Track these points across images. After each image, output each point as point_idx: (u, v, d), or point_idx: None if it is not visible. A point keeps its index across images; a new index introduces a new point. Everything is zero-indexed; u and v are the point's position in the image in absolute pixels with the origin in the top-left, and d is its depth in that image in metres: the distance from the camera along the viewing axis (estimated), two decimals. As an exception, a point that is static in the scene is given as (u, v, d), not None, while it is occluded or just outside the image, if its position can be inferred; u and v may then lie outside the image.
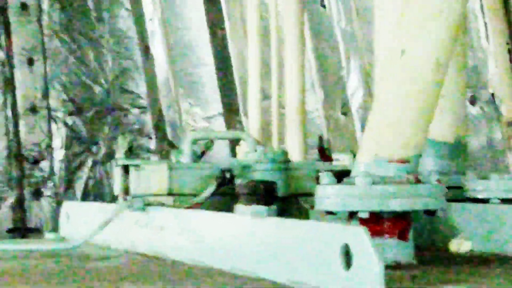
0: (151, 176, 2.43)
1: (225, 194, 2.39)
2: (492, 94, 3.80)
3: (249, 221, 1.95)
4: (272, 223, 1.86)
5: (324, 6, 4.71)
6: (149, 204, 2.34)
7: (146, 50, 6.59)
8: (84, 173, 6.89)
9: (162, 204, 2.36)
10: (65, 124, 6.90)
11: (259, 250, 1.83)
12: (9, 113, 6.83)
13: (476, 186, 2.49)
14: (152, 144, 6.71)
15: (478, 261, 2.11)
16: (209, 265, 1.99)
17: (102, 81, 6.87)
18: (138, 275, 1.96)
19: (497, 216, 2.32)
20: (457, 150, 2.73)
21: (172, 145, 6.19)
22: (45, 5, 6.83)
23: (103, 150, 6.86)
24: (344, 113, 4.68)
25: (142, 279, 1.87)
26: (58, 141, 6.90)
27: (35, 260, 2.30)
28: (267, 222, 1.88)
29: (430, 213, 2.13)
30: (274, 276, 1.74)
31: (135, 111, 6.86)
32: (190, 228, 2.18)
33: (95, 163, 6.86)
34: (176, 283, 1.78)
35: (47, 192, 6.85)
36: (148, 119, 6.72)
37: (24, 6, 6.81)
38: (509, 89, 3.70)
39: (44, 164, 6.89)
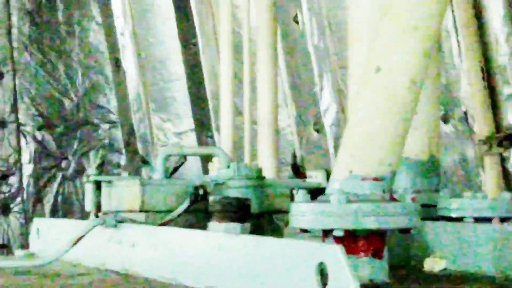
0: (124, 192, 2.42)
1: (198, 211, 2.38)
2: (465, 112, 3.81)
3: (222, 239, 1.95)
4: (246, 241, 1.85)
5: (297, 22, 4.72)
6: (121, 221, 2.34)
7: (117, 64, 6.58)
8: (53, 188, 6.86)
9: (134, 221, 2.36)
10: (34, 138, 6.88)
11: (233, 268, 1.82)
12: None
13: (449, 205, 2.50)
14: (123, 160, 6.70)
15: (452, 280, 2.12)
16: (182, 283, 1.99)
17: (72, 95, 6.86)
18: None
19: (471, 235, 2.32)
20: (430, 168, 2.74)
21: (144, 161, 6.19)
22: (14, 18, 6.80)
23: (72, 166, 6.83)
24: (317, 130, 4.68)
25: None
26: (26, 156, 6.88)
27: (4, 278, 2.28)
28: (241, 239, 1.87)
29: (405, 231, 2.13)
30: None
31: (105, 126, 6.84)
32: (163, 245, 2.16)
33: (64, 179, 6.83)
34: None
35: (15, 208, 6.82)
36: (118, 134, 6.70)
37: (-7, 20, 6.80)
38: (482, 107, 3.71)
39: (13, 179, 6.86)
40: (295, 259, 1.60)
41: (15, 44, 6.83)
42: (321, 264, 1.51)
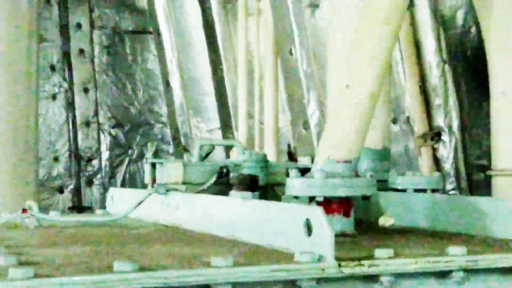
0: (171, 170, 2.43)
1: (223, 183, 2.39)
2: (408, 117, 3.80)
3: (239, 202, 1.95)
4: (256, 204, 1.86)
5: (291, 54, 4.68)
6: (168, 190, 2.34)
7: (167, 83, 6.57)
8: (123, 168, 6.88)
9: (178, 190, 2.37)
10: (110, 134, 6.88)
11: (247, 222, 1.84)
12: (70, 126, 6.79)
13: (396, 180, 2.53)
14: (171, 149, 6.71)
15: (399, 232, 2.12)
16: (211, 233, 2.00)
17: (136, 104, 6.85)
18: (162, 239, 1.96)
19: (411, 201, 2.35)
20: (383, 155, 2.74)
21: (185, 149, 6.19)
22: (96, 50, 6.80)
23: (135, 153, 6.84)
24: (305, 128, 4.65)
25: (164, 241, 1.86)
26: (104, 146, 6.88)
27: (89, 228, 2.30)
28: (252, 203, 1.88)
29: (365, 198, 2.13)
30: (257, 240, 1.74)
31: (159, 125, 6.85)
32: (198, 207, 2.19)
33: (130, 162, 6.84)
34: (187, 244, 1.77)
35: (96, 182, 6.83)
36: (168, 131, 6.72)
37: (81, 51, 6.77)
38: (419, 113, 3.71)
39: (95, 162, 6.86)
40: (290, 216, 1.60)
41: (96, 68, 6.81)
42: (307, 220, 1.51)
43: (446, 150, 3.59)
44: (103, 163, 6.87)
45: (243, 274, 1.34)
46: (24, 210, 2.37)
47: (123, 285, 1.24)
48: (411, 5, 3.54)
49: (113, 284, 1.24)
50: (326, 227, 1.46)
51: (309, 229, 1.51)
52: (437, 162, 3.62)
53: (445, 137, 3.60)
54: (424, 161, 3.64)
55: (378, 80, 1.99)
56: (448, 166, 3.57)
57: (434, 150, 3.66)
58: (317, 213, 1.49)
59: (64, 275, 1.23)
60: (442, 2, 3.50)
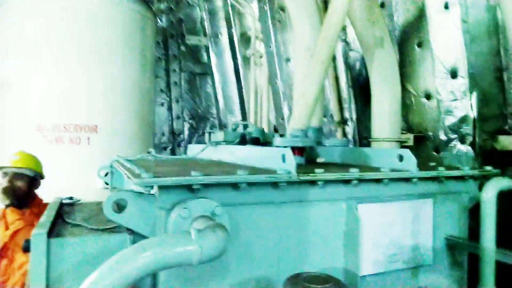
0: (218, 134, 2.38)
1: (243, 141, 2.36)
2: (331, 114, 3.76)
3: (250, 148, 1.94)
4: (257, 149, 1.84)
5: (276, 84, 4.65)
6: (216, 144, 2.33)
7: (215, 98, 6.51)
8: (194, 139, 6.86)
9: (220, 143, 2.33)
10: (188, 123, 6.87)
11: (254, 157, 1.79)
12: (169, 119, 6.79)
13: (325, 142, 2.34)
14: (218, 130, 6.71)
15: (326, 164, 2.09)
16: (236, 163, 1.94)
17: (201, 108, 6.82)
18: (213, 165, 1.92)
19: (332, 150, 2.24)
20: (319, 130, 2.65)
21: (224, 127, 6.18)
22: (182, 82, 6.76)
23: (201, 132, 6.83)
24: (282, 119, 4.63)
25: (214, 166, 1.83)
26: (186, 129, 6.88)
27: (178, 161, 2.16)
28: (256, 149, 1.87)
29: (311, 148, 2.11)
30: (259, 165, 1.70)
31: (212, 119, 6.78)
32: (230, 151, 2.13)
33: (198, 136, 6.84)
34: (225, 167, 1.76)
35: (182, 145, 6.83)
36: (216, 122, 6.66)
37: (175, 82, 6.73)
38: (336, 112, 3.66)
39: (181, 136, 6.85)
40: (274, 153, 1.59)
41: (182, 91, 6.79)
42: (283, 155, 1.51)
43: (350, 129, 3.58)
44: (185, 137, 6.89)
45: (253, 178, 1.34)
46: (148, 152, 2.38)
47: (200, 181, 1.24)
48: (334, 59, 3.51)
49: (195, 180, 1.24)
50: (291, 158, 1.46)
51: (284, 159, 1.50)
52: (345, 135, 3.61)
53: (349, 122, 3.58)
54: (338, 134, 3.62)
55: (318, 92, 1.96)
56: (350, 137, 3.55)
57: (344, 129, 3.64)
58: (288, 152, 1.49)
59: (166, 177, 1.24)
60: (349, 57, 3.47)
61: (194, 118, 6.83)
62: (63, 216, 1.48)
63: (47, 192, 2.54)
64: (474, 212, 1.82)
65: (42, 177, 2.64)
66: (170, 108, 6.86)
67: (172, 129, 6.87)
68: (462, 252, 1.82)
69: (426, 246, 1.76)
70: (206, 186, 1.27)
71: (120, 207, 1.21)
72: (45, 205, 2.54)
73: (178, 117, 6.85)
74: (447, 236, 1.82)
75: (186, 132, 6.85)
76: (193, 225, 1.12)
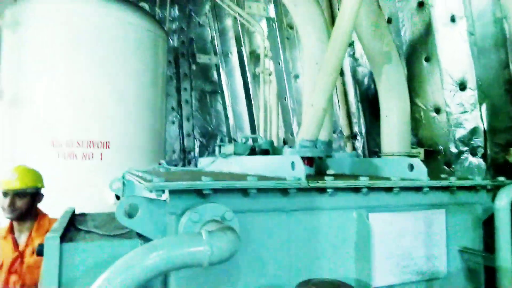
0: (228, 147, 2.39)
1: (254, 153, 2.36)
2: (340, 130, 3.75)
3: (260, 158, 1.94)
4: (267, 158, 1.84)
5: (285, 100, 4.68)
6: (227, 156, 2.34)
7: (226, 116, 6.57)
8: (205, 156, 6.88)
9: (230, 155, 2.32)
10: (199, 140, 6.91)
11: (263, 166, 1.80)
12: (180, 136, 6.84)
13: (335, 156, 2.35)
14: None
15: (335, 175, 2.08)
16: (246, 173, 1.94)
17: (212, 126, 6.87)
18: (224, 175, 1.94)
19: (342, 162, 2.22)
20: (329, 144, 2.64)
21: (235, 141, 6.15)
22: (193, 101, 6.85)
23: (211, 149, 6.85)
24: (291, 135, 4.64)
25: (225, 176, 1.85)
26: (196, 146, 6.91)
27: (189, 172, 2.23)
28: (265, 158, 1.87)
29: (320, 158, 2.10)
30: (268, 173, 1.72)
31: (222, 136, 6.85)
32: (240, 162, 2.13)
33: (208, 153, 6.86)
34: (236, 178, 1.77)
35: (192, 162, 6.86)
36: (226, 139, 6.70)
37: (186, 101, 6.83)
38: (346, 126, 3.65)
39: (191, 154, 6.89)
40: (284, 161, 1.60)
41: (193, 109, 6.87)
42: (293, 162, 1.52)
43: (359, 143, 3.56)
44: (195, 154, 6.92)
45: (262, 184, 1.35)
46: (159, 163, 2.40)
47: (210, 186, 1.25)
48: (342, 74, 3.53)
49: (205, 184, 1.25)
50: (301, 165, 1.47)
51: (293, 166, 1.50)
52: (354, 150, 3.59)
53: (359, 137, 3.57)
54: (348, 149, 3.60)
55: (327, 102, 1.95)
56: (360, 151, 3.53)
57: (353, 143, 3.63)
58: (297, 158, 1.50)
59: (178, 181, 1.25)
60: (357, 72, 3.49)
61: (205, 136, 6.88)
62: (76, 224, 1.49)
63: (58, 207, 2.55)
64: (487, 226, 1.78)
65: (41, 188, 2.62)
66: (181, 126, 6.94)
67: (183, 146, 6.92)
68: (478, 264, 1.77)
69: (439, 257, 1.72)
70: (216, 192, 1.28)
71: (131, 215, 1.23)
72: (50, 220, 2.57)
73: (188, 135, 6.91)
74: (461, 248, 1.78)
75: (197, 150, 6.88)
76: (204, 228, 1.13)
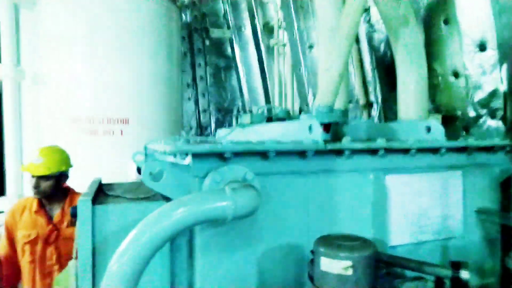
0: (244, 117, 2.41)
1: (270, 120, 2.36)
2: (357, 99, 3.72)
3: (278, 124, 1.94)
4: (284, 124, 1.82)
5: (300, 71, 4.61)
6: (243, 126, 2.35)
7: (240, 90, 6.55)
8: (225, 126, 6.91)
9: (247, 125, 2.35)
10: (215, 116, 6.93)
11: (281, 132, 1.81)
12: (197, 112, 6.87)
13: (351, 122, 2.26)
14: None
15: (353, 139, 2.07)
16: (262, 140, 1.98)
17: (243, 101, 6.87)
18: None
19: (359, 126, 2.14)
20: (344, 112, 2.60)
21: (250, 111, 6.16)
22: (208, 76, 6.84)
23: (227, 125, 6.87)
24: (306, 105, 4.62)
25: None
26: (212, 122, 6.94)
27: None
28: (282, 124, 1.86)
29: (335, 124, 2.08)
30: (286, 139, 1.73)
31: (235, 111, 6.84)
32: (257, 130, 2.13)
33: (228, 123, 6.89)
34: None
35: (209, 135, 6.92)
36: (242, 114, 6.72)
37: (201, 77, 6.83)
38: (362, 95, 3.60)
39: (208, 129, 6.94)
40: (302, 125, 1.61)
41: (208, 84, 6.87)
42: (310, 125, 1.53)
43: (375, 111, 3.53)
44: (212, 130, 6.97)
45: (280, 146, 1.38)
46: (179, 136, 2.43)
47: (230, 148, 1.28)
48: (357, 41, 3.47)
49: (227, 147, 1.27)
50: (318, 128, 1.49)
51: (311, 130, 1.52)
52: (370, 118, 3.56)
53: (375, 105, 3.54)
54: (364, 118, 3.57)
55: (343, 67, 1.89)
56: (376, 120, 3.50)
57: (369, 112, 3.60)
58: (314, 121, 1.52)
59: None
60: (373, 39, 3.42)
61: (220, 111, 6.90)
62: (104, 190, 1.57)
63: (82, 182, 2.64)
64: (504, 187, 1.78)
65: (67, 170, 2.68)
66: (196, 102, 6.96)
67: (199, 122, 6.97)
68: (494, 224, 1.78)
69: (456, 218, 1.74)
70: (236, 155, 1.31)
71: (156, 178, 1.28)
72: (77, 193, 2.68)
73: (204, 111, 6.94)
74: (478, 209, 1.79)
75: (213, 126, 6.92)
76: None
